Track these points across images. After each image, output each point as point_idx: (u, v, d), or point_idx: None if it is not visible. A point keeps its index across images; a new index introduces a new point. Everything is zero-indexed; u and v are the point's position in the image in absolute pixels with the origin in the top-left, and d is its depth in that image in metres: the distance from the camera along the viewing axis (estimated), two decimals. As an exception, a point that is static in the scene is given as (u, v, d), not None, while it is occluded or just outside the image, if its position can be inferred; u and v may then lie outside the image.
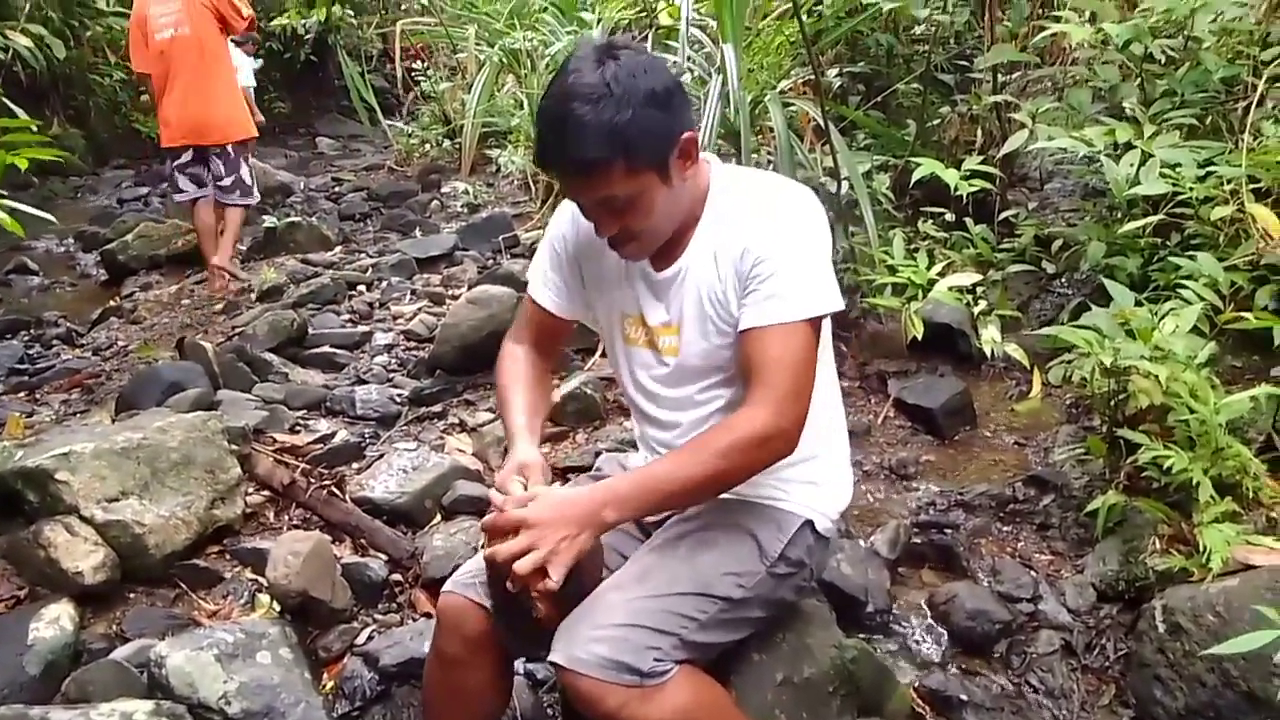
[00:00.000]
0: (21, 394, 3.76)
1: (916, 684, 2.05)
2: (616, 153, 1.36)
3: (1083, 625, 2.16)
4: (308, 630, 2.19)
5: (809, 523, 1.64)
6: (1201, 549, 1.95)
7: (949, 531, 2.49)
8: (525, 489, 1.48)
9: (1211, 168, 2.61)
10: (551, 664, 1.41)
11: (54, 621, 2.08)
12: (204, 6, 4.83)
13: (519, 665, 2.01)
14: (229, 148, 5.01)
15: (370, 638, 2.20)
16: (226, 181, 5.05)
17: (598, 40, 1.45)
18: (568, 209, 1.69)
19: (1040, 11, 4.04)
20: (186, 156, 4.99)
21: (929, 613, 2.26)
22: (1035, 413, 2.96)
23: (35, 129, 2.48)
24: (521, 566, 1.35)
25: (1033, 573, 2.33)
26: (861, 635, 2.10)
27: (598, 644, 1.38)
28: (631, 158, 1.38)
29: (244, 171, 5.11)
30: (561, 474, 2.70)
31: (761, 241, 1.46)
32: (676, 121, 1.43)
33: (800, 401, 1.45)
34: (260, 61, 8.08)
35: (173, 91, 4.86)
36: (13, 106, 2.80)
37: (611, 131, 1.35)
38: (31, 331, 4.73)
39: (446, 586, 1.61)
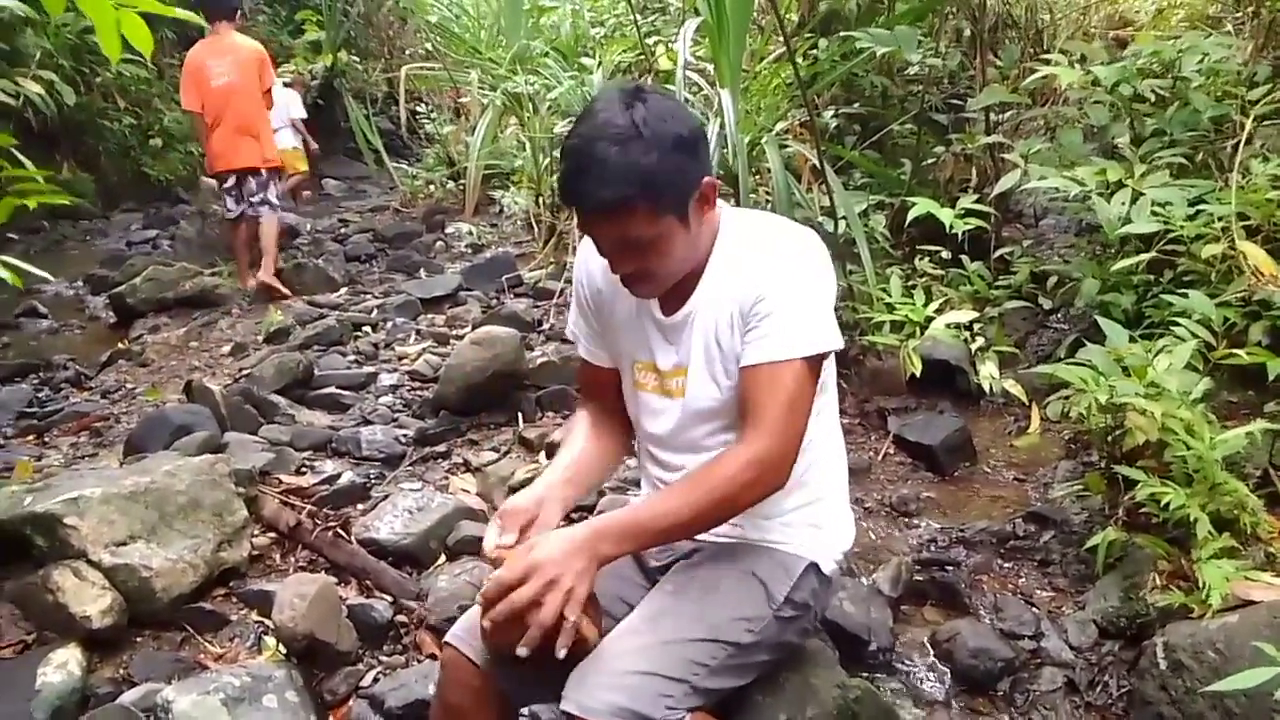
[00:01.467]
0: (30, 437, 3.79)
1: (920, 723, 2.05)
2: (641, 195, 1.37)
3: (1085, 662, 2.17)
4: (313, 673, 2.19)
5: (814, 565, 1.65)
6: (1201, 585, 1.96)
7: (951, 568, 2.51)
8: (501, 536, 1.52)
9: (1202, 206, 2.66)
10: (564, 713, 1.39)
11: (62, 666, 2.09)
12: (250, 62, 5.83)
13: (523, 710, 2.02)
14: (262, 171, 6.00)
15: (376, 680, 2.21)
16: (256, 198, 6.00)
17: (625, 84, 1.46)
18: (582, 256, 1.71)
19: (1031, 53, 4.12)
20: (230, 181, 5.98)
21: (932, 651, 2.26)
22: (1034, 448, 2.98)
23: (42, 179, 2.54)
24: (549, 609, 1.34)
25: (1035, 609, 2.34)
26: (865, 674, 2.11)
27: (611, 692, 1.37)
28: (655, 201, 1.39)
29: (270, 192, 6.08)
30: (565, 516, 2.71)
31: (762, 282, 1.47)
32: (700, 167, 1.45)
33: (790, 437, 1.46)
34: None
35: (222, 128, 5.83)
36: (21, 158, 2.85)
37: (638, 173, 1.36)
38: (40, 374, 4.77)
39: (448, 638, 1.60)
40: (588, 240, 1.59)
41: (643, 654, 1.43)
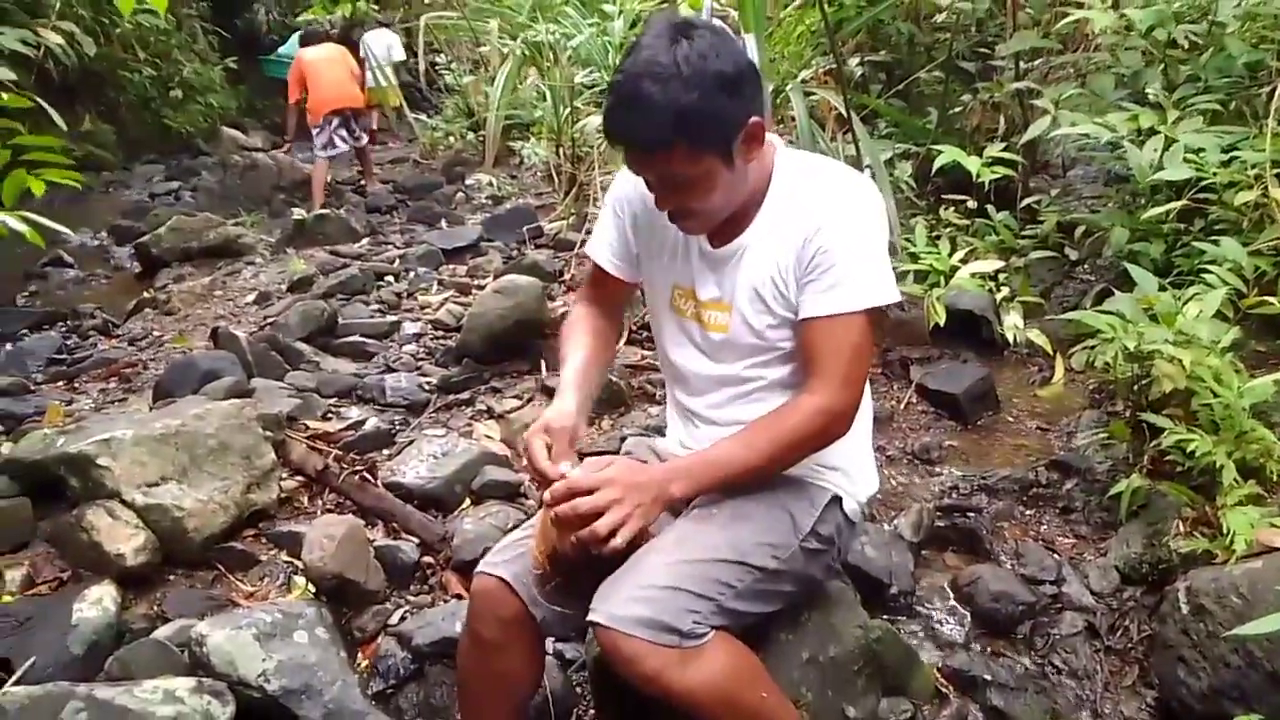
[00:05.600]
0: (60, 383, 3.85)
1: (940, 664, 2.08)
2: (680, 134, 1.37)
3: (1106, 607, 2.18)
4: (342, 611, 2.24)
5: (838, 500, 1.68)
6: (1225, 532, 1.96)
7: (972, 515, 2.51)
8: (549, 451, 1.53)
9: (1235, 153, 2.61)
10: (591, 624, 1.43)
11: (97, 602, 2.13)
12: (336, 49, 8.03)
13: (548, 645, 2.05)
14: (349, 112, 7.96)
15: (403, 618, 2.25)
16: (355, 134, 8.12)
17: (674, 17, 1.45)
18: (630, 174, 1.69)
19: (1063, -3, 4.02)
20: (336, 121, 7.86)
21: (952, 595, 2.28)
22: (1058, 398, 2.96)
23: (57, 145, 2.51)
24: (603, 525, 1.41)
25: (1056, 556, 2.35)
26: (886, 616, 2.14)
27: (638, 604, 1.41)
28: (694, 140, 1.39)
29: (356, 129, 8.10)
30: (582, 459, 2.74)
31: (826, 230, 1.48)
32: (744, 107, 1.43)
33: (855, 388, 1.53)
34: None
35: (324, 85, 7.80)
36: (46, 105, 2.85)
37: (677, 113, 1.35)
38: (68, 323, 4.83)
39: (480, 568, 1.62)
40: None
41: (670, 570, 1.47)
